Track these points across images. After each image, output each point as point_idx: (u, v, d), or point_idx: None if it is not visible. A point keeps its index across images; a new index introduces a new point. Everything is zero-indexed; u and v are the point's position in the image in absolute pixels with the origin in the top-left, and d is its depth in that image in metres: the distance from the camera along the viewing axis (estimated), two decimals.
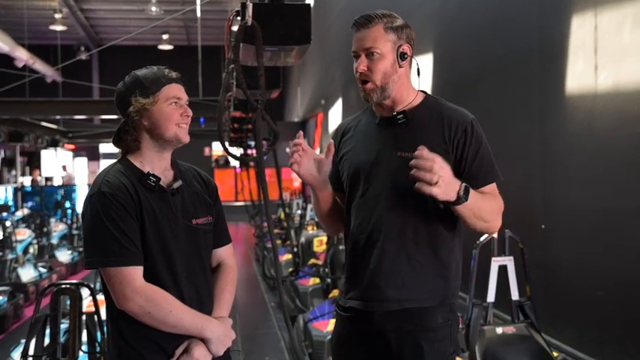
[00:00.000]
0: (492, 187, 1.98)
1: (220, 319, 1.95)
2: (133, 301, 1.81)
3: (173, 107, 1.91)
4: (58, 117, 16.37)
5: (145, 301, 1.81)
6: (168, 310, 1.82)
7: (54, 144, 18.16)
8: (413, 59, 2.00)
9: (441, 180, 1.75)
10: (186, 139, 1.95)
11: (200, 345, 1.88)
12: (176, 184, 1.94)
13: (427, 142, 1.91)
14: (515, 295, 3.52)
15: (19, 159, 21.09)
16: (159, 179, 1.91)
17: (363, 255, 2.01)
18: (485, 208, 1.90)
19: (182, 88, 1.96)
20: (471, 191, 1.84)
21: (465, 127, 1.95)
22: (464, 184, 1.82)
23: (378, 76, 1.95)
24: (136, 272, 1.82)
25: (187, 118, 1.94)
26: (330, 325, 4.41)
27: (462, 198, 1.81)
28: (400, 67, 1.96)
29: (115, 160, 1.99)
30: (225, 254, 2.10)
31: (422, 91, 2.07)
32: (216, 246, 2.07)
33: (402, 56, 1.95)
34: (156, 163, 1.94)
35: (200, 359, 1.87)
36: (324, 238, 6.89)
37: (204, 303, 1.96)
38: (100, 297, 4.13)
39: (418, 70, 2.04)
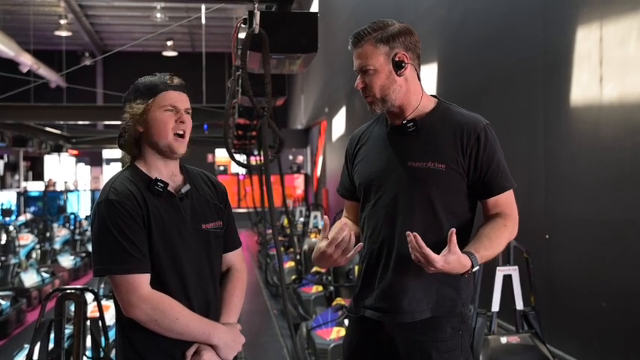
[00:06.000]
0: (507, 197, 1.97)
1: (228, 325, 1.95)
2: (139, 308, 1.80)
3: (167, 114, 1.87)
4: (61, 122, 16.39)
5: (152, 309, 1.80)
6: (174, 317, 1.82)
7: (57, 149, 18.17)
8: (413, 64, 1.96)
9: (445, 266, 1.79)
10: (180, 150, 1.90)
11: (209, 349, 1.88)
12: (184, 189, 1.92)
13: (438, 151, 1.93)
14: (519, 304, 3.52)
15: (22, 164, 21.16)
16: (166, 184, 1.89)
17: (375, 266, 2.00)
18: (494, 251, 1.91)
19: (183, 96, 1.91)
20: (477, 252, 1.84)
21: (478, 134, 1.93)
22: (472, 257, 1.82)
23: (375, 90, 1.95)
24: (142, 280, 1.81)
25: (183, 125, 1.89)
26: (334, 332, 4.41)
27: (473, 268, 1.83)
28: (399, 75, 1.94)
29: (122, 167, 2.00)
30: (234, 259, 2.09)
31: (434, 96, 2.06)
32: (226, 250, 2.06)
33: (399, 65, 1.93)
34: (162, 169, 1.92)
35: None
36: None
37: (212, 308, 1.95)
38: (105, 302, 4.14)
39: (418, 75, 2.02)
